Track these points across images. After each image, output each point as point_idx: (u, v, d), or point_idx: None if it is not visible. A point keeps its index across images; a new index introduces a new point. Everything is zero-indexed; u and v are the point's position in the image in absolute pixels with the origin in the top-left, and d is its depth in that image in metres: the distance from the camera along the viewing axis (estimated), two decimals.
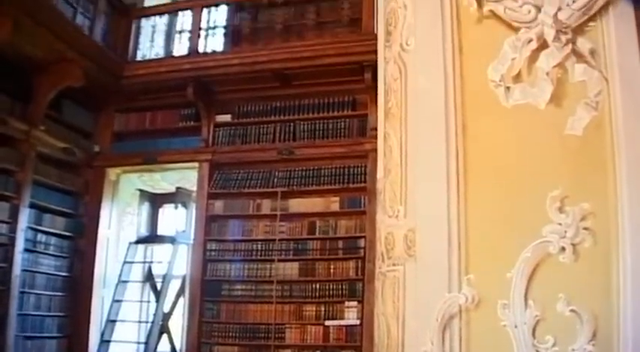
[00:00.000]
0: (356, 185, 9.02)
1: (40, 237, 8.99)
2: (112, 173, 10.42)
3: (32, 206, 8.69)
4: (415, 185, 3.60)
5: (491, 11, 3.65)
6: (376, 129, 4.52)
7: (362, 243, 8.85)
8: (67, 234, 9.55)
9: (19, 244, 8.38)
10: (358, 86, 9.01)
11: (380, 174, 3.98)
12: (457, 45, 3.64)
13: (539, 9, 3.63)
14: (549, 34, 3.56)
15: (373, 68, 6.98)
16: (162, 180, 11.00)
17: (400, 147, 3.70)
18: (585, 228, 3.27)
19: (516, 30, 3.63)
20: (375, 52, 4.47)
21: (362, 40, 8.64)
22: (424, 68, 3.69)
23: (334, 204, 9.20)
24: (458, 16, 3.69)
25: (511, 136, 3.51)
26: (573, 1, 3.63)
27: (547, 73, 3.52)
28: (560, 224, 3.29)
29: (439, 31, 3.68)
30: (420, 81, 3.69)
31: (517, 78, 3.55)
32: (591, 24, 3.62)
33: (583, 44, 3.56)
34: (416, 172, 3.61)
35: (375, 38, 4.84)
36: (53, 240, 9.30)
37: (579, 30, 3.60)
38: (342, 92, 9.42)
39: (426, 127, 3.61)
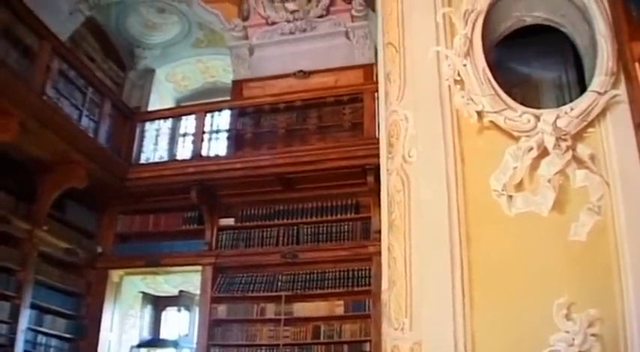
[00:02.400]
0: (360, 288, 8.90)
1: (41, 339, 8.79)
2: (114, 275, 10.32)
3: (33, 306, 8.54)
4: (420, 297, 3.57)
5: (491, 122, 3.72)
6: (380, 232, 4.52)
7: (367, 347, 8.66)
8: (68, 336, 9.35)
9: (19, 345, 8.18)
10: (361, 189, 9.04)
11: (384, 285, 3.96)
12: (459, 156, 3.69)
13: (538, 118, 3.70)
14: (549, 142, 3.61)
15: (375, 171, 7.01)
16: (166, 283, 10.93)
17: (404, 258, 3.69)
18: (593, 335, 3.25)
19: (517, 139, 3.69)
20: (377, 155, 4.53)
21: (364, 144, 8.77)
22: (427, 179, 3.72)
23: (339, 307, 9.06)
24: (459, 128, 3.76)
25: (515, 245, 3.51)
26: (571, 109, 3.71)
27: (549, 181, 3.55)
28: (567, 332, 3.27)
29: (441, 143, 3.73)
30: (422, 192, 3.72)
31: (519, 186, 3.59)
32: (590, 130, 3.69)
33: (583, 150, 3.61)
34: (421, 284, 3.59)
35: (377, 142, 4.91)
36: (54, 341, 9.09)
37: (579, 136, 3.67)
38: (345, 195, 9.45)
39: (429, 238, 3.61)
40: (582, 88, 4.28)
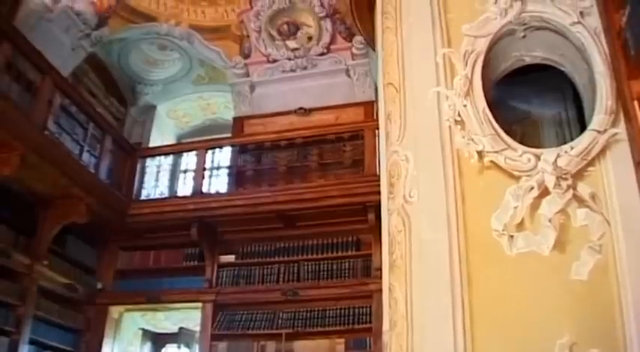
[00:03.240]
0: (361, 326, 8.82)
1: None
2: (114, 311, 10.28)
3: (32, 342, 8.45)
4: (422, 338, 3.56)
5: (492, 162, 3.73)
6: (380, 269, 4.51)
7: None
8: None
9: None
10: (362, 226, 9.03)
11: (386, 326, 3.94)
12: (460, 196, 3.70)
13: (538, 157, 3.72)
14: (550, 181, 3.62)
15: (376, 208, 7.01)
16: (166, 320, 10.87)
17: (405, 299, 3.69)
18: None
19: (517, 179, 3.70)
20: (378, 192, 4.55)
21: (364, 181, 8.80)
22: (428, 220, 3.73)
23: (340, 345, 9.01)
24: (459, 168, 3.77)
25: (516, 285, 3.50)
26: (572, 148, 3.72)
27: (550, 220, 3.56)
28: None
29: (441, 183, 3.74)
30: (423, 232, 3.72)
31: (520, 226, 3.59)
32: (590, 168, 3.70)
33: (584, 189, 3.62)
34: (422, 324, 3.58)
35: (378, 179, 4.93)
36: None
37: (579, 175, 3.68)
38: (346, 232, 9.43)
39: (430, 279, 3.61)
40: (582, 125, 4.33)
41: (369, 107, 10.82)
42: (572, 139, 4.39)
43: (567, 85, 4.61)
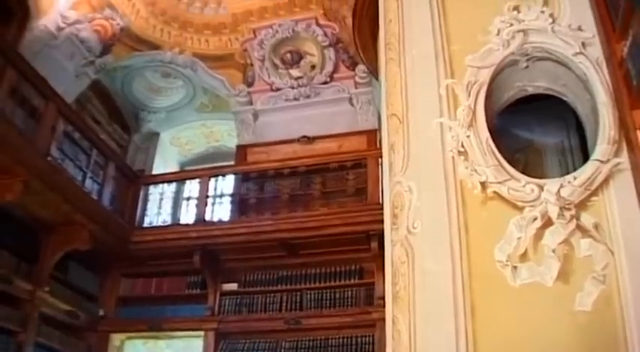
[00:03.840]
0: None
1: None
2: (116, 338, 10.22)
3: None
4: None
5: (495, 192, 3.74)
6: (383, 298, 4.49)
7: None
8: None
9: None
10: (365, 255, 9.02)
11: None
12: (463, 227, 3.69)
13: (541, 188, 3.72)
14: (553, 212, 3.62)
15: (379, 237, 7.01)
16: (167, 348, 10.79)
17: (409, 330, 3.67)
18: None
19: (521, 209, 3.69)
20: (381, 221, 4.54)
21: (367, 210, 8.80)
22: (431, 251, 3.72)
23: None
24: (463, 199, 3.77)
25: (520, 316, 3.49)
26: (575, 178, 3.72)
27: (553, 250, 3.55)
28: None
29: (445, 214, 3.74)
30: (427, 263, 3.71)
31: (523, 257, 3.58)
32: (594, 199, 3.69)
33: (587, 219, 3.61)
34: None
35: (381, 208, 4.93)
36: None
37: (582, 205, 3.67)
38: (349, 261, 9.41)
39: (434, 310, 3.59)
40: (585, 153, 4.33)
41: (372, 135, 10.85)
42: (575, 167, 4.40)
43: (570, 113, 4.61)
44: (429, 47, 4.45)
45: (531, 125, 4.97)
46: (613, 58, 3.86)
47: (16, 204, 7.97)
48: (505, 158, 3.93)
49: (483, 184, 3.77)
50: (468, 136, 3.93)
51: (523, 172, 3.89)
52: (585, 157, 4.19)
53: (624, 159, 3.75)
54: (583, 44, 4.19)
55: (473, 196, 3.78)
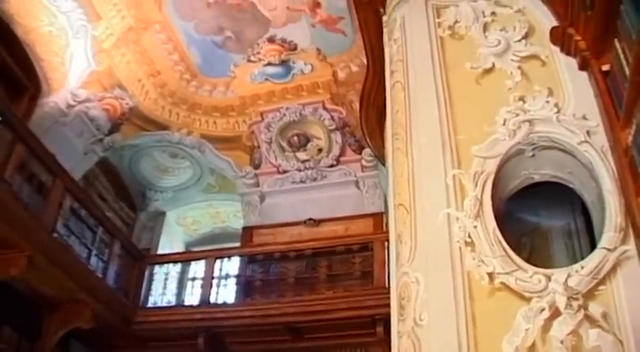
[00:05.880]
0: None
1: None
2: None
3: None
4: None
5: (502, 283, 3.72)
6: None
7: None
8: None
9: None
10: (370, 339, 8.92)
11: None
12: (470, 319, 3.66)
13: (549, 278, 3.70)
14: (561, 302, 3.60)
15: (385, 321, 6.97)
16: None
17: None
18: None
19: (528, 300, 3.67)
20: (387, 305, 4.51)
21: (374, 294, 8.75)
22: (438, 344, 3.68)
23: None
24: (470, 290, 3.75)
25: None
26: (582, 267, 3.71)
27: (561, 342, 3.51)
28: None
29: (452, 306, 3.72)
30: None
31: (532, 348, 3.55)
32: (601, 287, 3.67)
33: (595, 309, 3.58)
34: None
35: (387, 292, 4.91)
36: None
37: (590, 294, 3.65)
38: (354, 345, 9.31)
39: None
40: (591, 235, 4.33)
41: (379, 218, 10.89)
42: (581, 250, 4.41)
43: (576, 195, 4.63)
44: (436, 137, 4.50)
45: (537, 208, 4.98)
46: (618, 146, 3.89)
47: (20, 280, 7.95)
48: (511, 243, 3.93)
49: (491, 275, 3.76)
50: (475, 227, 3.94)
51: (529, 256, 3.89)
52: (591, 239, 4.18)
53: (631, 246, 3.74)
54: (588, 133, 4.24)
55: (480, 287, 3.76)
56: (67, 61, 9.95)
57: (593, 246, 4.09)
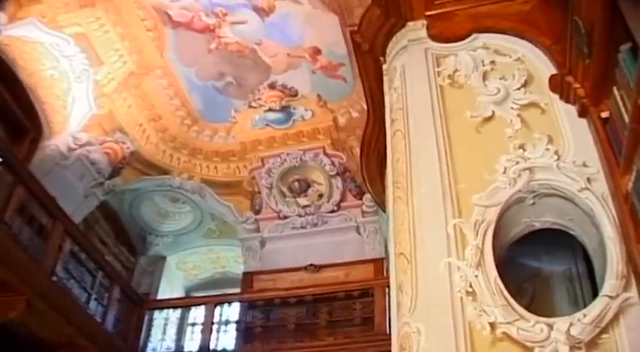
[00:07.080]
0: None
1: None
2: None
3: None
4: None
5: (504, 333, 3.70)
6: None
7: None
8: None
9: None
10: None
11: None
12: None
13: (551, 327, 3.68)
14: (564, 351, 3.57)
15: None
16: None
17: None
18: None
19: (531, 350, 3.65)
20: (389, 351, 4.47)
21: (375, 340, 8.67)
22: None
23: None
24: (472, 340, 3.72)
25: None
26: (584, 315, 3.69)
27: None
28: None
29: None
30: None
31: None
32: (604, 336, 3.65)
33: None
34: None
35: (388, 338, 4.87)
36: None
37: (593, 343, 3.63)
38: None
39: None
40: (593, 279, 4.32)
41: (379, 264, 10.87)
42: (583, 295, 4.39)
43: (577, 241, 4.62)
44: (437, 186, 4.50)
45: (539, 254, 4.97)
46: (618, 193, 3.89)
47: (19, 323, 7.91)
48: (513, 290, 3.92)
49: (492, 325, 3.74)
50: (477, 276, 3.92)
51: (531, 302, 3.88)
52: (593, 284, 4.16)
53: (633, 293, 3.72)
54: (588, 180, 4.25)
55: (482, 337, 3.74)
56: (69, 104, 10.05)
57: (595, 290, 4.08)
